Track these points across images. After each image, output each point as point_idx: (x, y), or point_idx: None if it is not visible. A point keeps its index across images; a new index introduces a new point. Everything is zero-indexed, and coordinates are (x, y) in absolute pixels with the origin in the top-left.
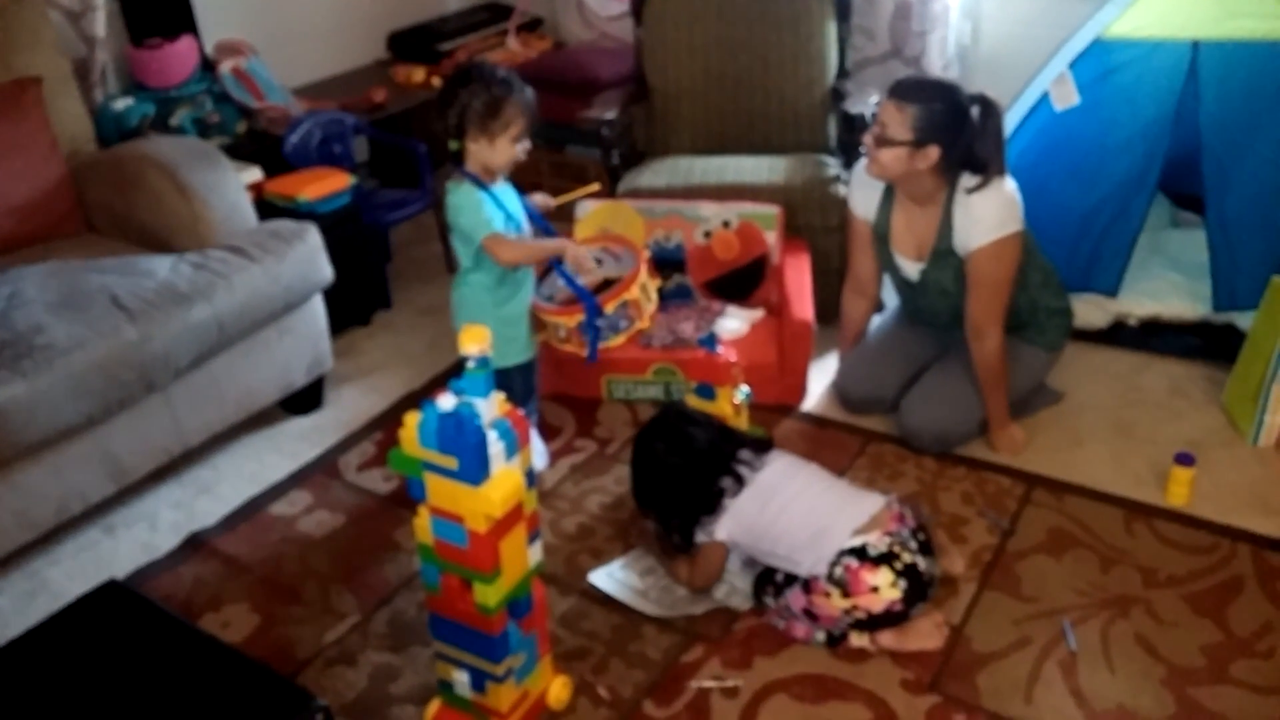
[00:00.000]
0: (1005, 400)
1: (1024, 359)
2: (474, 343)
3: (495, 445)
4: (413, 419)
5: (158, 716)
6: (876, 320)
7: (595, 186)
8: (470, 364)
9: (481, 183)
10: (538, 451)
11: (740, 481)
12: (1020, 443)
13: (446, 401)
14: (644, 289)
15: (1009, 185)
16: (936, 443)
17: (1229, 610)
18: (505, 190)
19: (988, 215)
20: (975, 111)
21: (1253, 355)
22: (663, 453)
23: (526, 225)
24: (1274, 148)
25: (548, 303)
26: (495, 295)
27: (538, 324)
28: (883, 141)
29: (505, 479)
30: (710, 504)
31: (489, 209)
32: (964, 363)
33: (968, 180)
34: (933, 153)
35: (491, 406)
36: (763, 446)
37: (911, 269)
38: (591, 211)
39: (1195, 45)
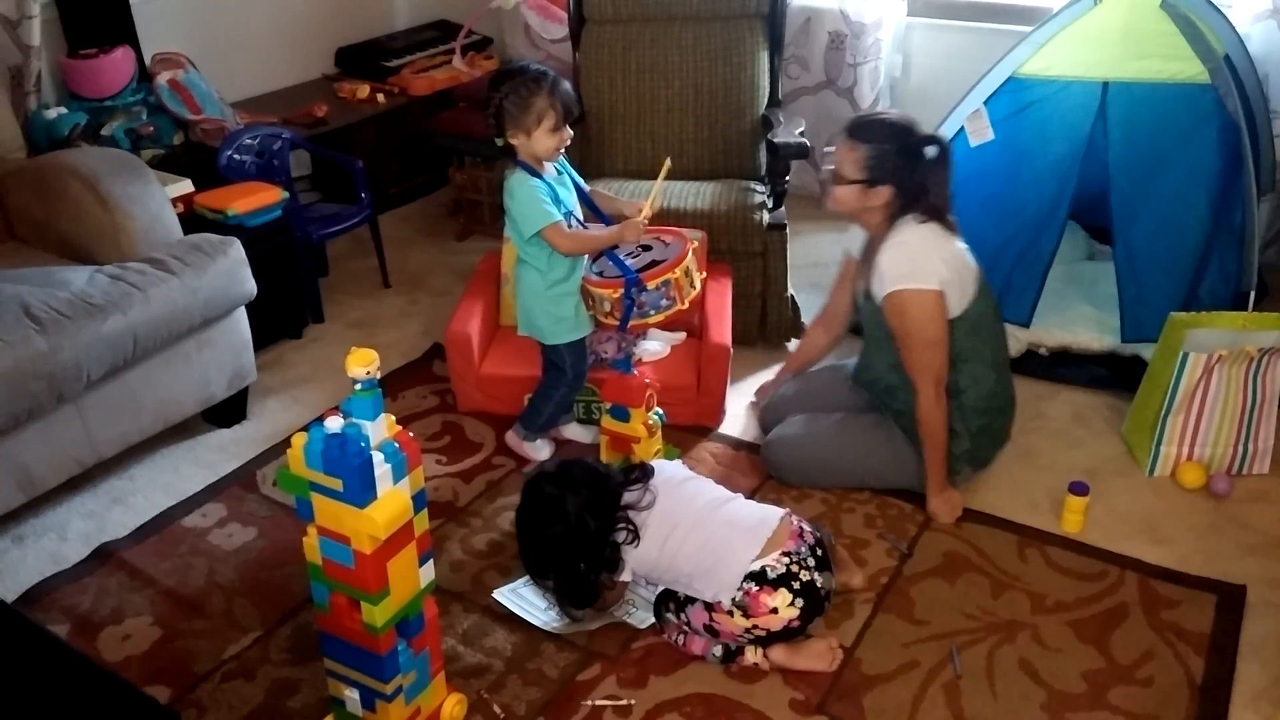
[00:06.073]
0: (943, 464)
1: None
2: (360, 365)
3: (381, 467)
4: (300, 439)
5: None
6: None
7: (666, 162)
8: (357, 386)
9: (535, 172)
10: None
11: (635, 529)
12: (958, 507)
13: (334, 423)
14: (688, 273)
15: (919, 240)
16: (794, 476)
17: (1112, 637)
18: (560, 179)
19: (888, 267)
20: (932, 151)
21: (1151, 387)
22: (544, 524)
23: (578, 211)
24: (1177, 185)
25: (597, 277)
26: (546, 278)
27: (586, 300)
28: (837, 180)
29: (391, 500)
30: (610, 561)
31: (546, 198)
32: (860, 422)
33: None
34: (884, 192)
35: (380, 428)
36: (643, 475)
37: (862, 302)
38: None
39: (1104, 85)
